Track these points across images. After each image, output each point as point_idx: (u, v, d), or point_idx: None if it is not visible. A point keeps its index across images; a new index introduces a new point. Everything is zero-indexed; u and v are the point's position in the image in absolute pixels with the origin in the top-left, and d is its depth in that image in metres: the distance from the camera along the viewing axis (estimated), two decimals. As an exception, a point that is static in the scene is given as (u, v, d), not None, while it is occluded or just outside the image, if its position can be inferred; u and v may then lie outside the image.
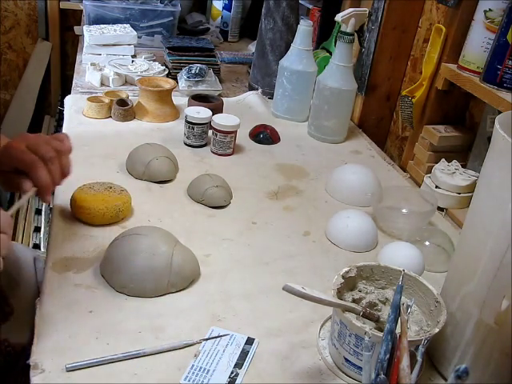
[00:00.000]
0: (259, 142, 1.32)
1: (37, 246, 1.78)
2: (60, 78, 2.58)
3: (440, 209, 1.11)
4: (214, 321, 0.76)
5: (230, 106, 1.43)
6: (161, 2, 1.89)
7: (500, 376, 0.67)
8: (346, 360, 0.68)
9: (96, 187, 0.94)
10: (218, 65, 1.65)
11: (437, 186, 1.13)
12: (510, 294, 0.60)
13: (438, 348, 0.72)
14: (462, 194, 1.12)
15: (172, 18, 1.87)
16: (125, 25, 1.71)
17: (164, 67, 1.59)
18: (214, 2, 2.21)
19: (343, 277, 0.72)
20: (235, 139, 1.23)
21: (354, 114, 1.49)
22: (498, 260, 0.60)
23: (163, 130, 1.30)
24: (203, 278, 0.84)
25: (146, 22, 1.85)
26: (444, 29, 1.14)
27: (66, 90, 2.12)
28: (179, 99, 1.43)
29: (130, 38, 1.64)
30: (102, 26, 1.68)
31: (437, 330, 0.65)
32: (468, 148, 1.21)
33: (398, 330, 0.62)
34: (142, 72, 1.53)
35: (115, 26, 1.68)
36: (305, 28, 1.36)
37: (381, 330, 0.65)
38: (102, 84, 1.50)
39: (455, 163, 1.15)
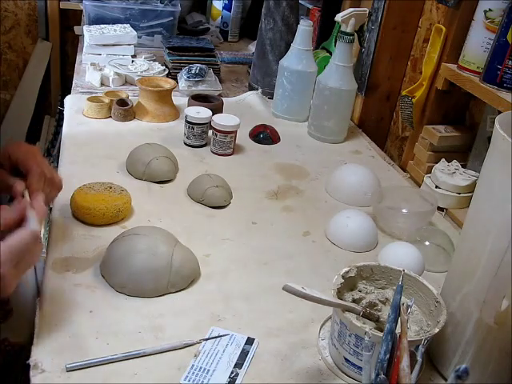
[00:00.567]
0: (259, 142, 1.32)
1: (37, 246, 1.78)
2: (60, 78, 2.58)
3: (440, 209, 1.10)
4: (213, 321, 0.76)
5: (230, 106, 1.43)
6: (161, 2, 1.89)
7: (500, 376, 0.67)
8: (346, 360, 0.68)
9: (96, 187, 0.94)
10: (217, 65, 1.65)
11: (437, 186, 1.13)
12: (509, 293, 0.60)
13: (438, 348, 0.72)
14: (461, 194, 1.12)
15: (172, 18, 1.87)
16: (125, 25, 1.71)
17: (164, 67, 1.59)
18: (214, 2, 2.21)
19: (343, 277, 0.72)
20: (235, 139, 1.23)
21: (353, 113, 1.49)
22: (498, 260, 0.60)
23: (163, 130, 1.30)
24: (203, 278, 0.84)
25: (146, 22, 1.85)
26: (444, 29, 1.14)
27: (66, 89, 2.12)
28: (179, 99, 1.43)
29: (129, 38, 1.64)
30: (102, 25, 1.68)
31: (437, 330, 0.65)
32: (468, 148, 1.21)
33: (398, 330, 0.62)
34: (142, 72, 1.53)
35: (115, 26, 1.68)
36: (305, 28, 1.36)
37: (381, 330, 0.65)
38: (102, 84, 1.50)
39: (455, 163, 1.15)
